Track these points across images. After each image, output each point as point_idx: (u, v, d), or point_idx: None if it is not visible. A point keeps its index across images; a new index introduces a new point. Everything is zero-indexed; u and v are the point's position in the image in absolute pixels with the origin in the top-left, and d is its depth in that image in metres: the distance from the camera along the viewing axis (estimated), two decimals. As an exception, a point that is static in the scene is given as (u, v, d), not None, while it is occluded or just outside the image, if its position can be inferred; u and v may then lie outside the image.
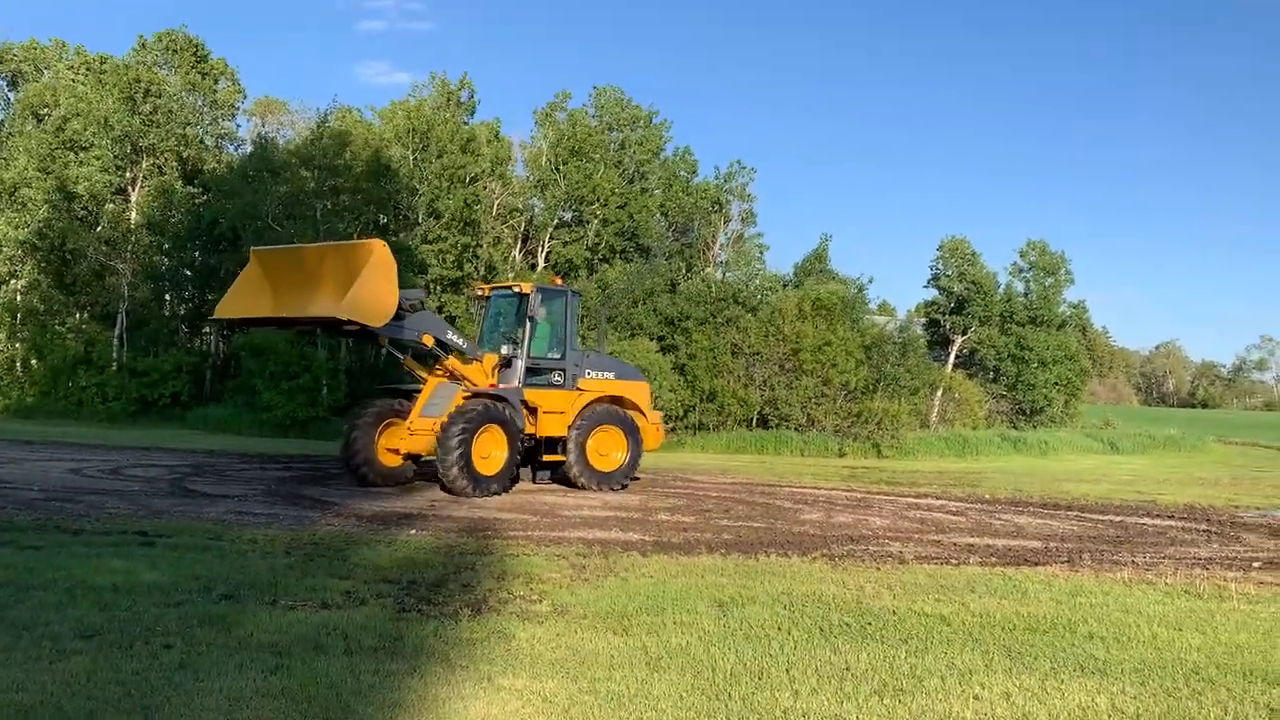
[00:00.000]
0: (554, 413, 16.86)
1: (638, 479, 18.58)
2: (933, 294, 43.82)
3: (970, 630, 7.37)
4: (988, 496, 18.81)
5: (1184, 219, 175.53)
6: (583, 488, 16.87)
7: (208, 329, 36.52)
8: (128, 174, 35.61)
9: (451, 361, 16.40)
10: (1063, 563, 10.82)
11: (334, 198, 32.13)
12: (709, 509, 15.16)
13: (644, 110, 39.68)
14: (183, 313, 37.33)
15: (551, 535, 11.58)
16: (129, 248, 34.41)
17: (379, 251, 14.53)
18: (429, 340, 15.89)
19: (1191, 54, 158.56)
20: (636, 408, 17.81)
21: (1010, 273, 43.18)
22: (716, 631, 7.08)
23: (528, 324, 16.70)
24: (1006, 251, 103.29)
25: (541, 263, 36.57)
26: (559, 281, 19.91)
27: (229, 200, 32.51)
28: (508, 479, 15.86)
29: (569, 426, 16.90)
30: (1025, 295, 42.70)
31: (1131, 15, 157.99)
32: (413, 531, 11.38)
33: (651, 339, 32.68)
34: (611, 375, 17.83)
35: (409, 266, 32.63)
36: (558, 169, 36.42)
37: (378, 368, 32.78)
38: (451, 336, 16.42)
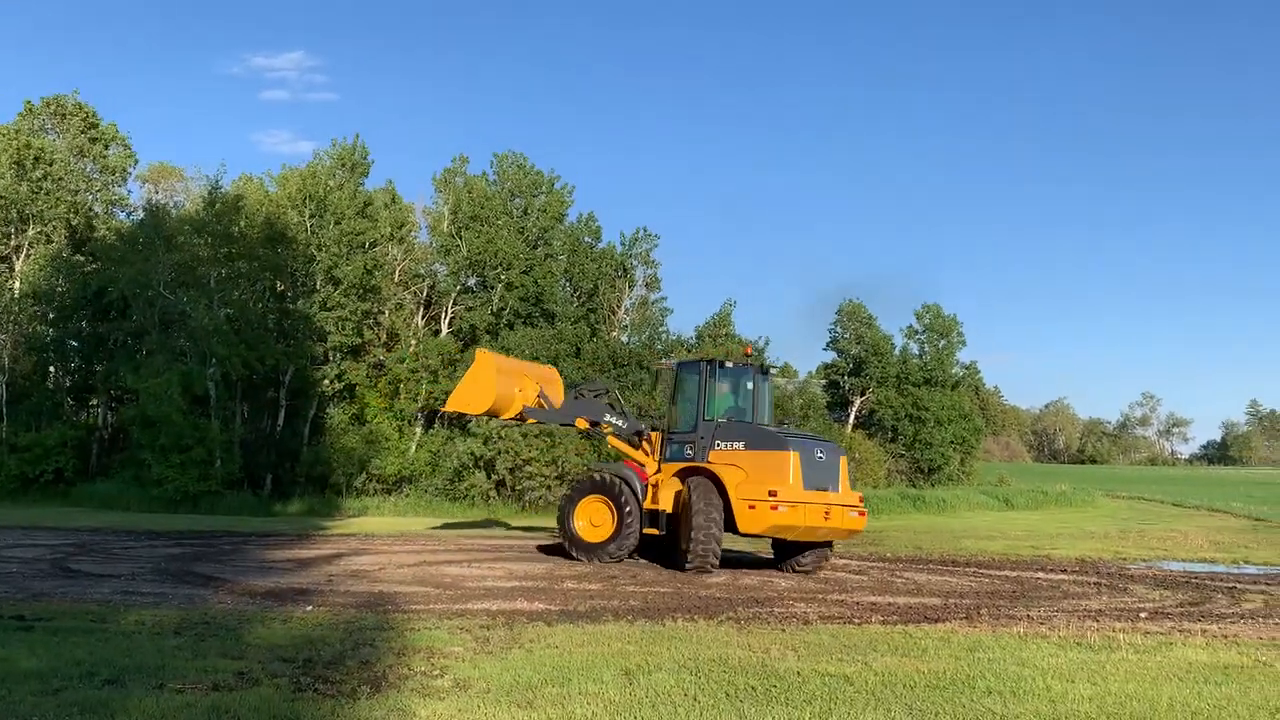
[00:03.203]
0: (650, 486, 16.81)
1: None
2: (832, 356, 44.81)
3: (873, 690, 7.44)
4: (889, 555, 19.12)
5: (1065, 281, 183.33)
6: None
7: (94, 401, 35.20)
8: (12, 241, 34.38)
9: (611, 440, 18.33)
10: (961, 619, 11.04)
11: (229, 265, 31.45)
12: (615, 575, 15.06)
13: (545, 176, 39.94)
14: (68, 384, 35.79)
15: (455, 608, 11.35)
16: (11, 318, 33.10)
17: (478, 358, 18.18)
18: (582, 424, 18.09)
19: (1074, 116, 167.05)
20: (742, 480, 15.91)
21: (905, 335, 44.48)
22: (623, 701, 7.01)
23: (667, 400, 17.93)
24: (902, 314, 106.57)
25: (445, 328, 36.27)
26: (749, 351, 20.85)
27: (119, 268, 31.56)
28: (612, 548, 16.33)
29: (671, 502, 16.46)
30: (920, 357, 43.96)
31: (1019, 77, 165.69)
32: (309, 608, 11.04)
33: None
34: (740, 445, 16.19)
35: (307, 334, 32.05)
36: (459, 234, 36.31)
37: (274, 439, 31.96)
38: (610, 418, 18.01)
